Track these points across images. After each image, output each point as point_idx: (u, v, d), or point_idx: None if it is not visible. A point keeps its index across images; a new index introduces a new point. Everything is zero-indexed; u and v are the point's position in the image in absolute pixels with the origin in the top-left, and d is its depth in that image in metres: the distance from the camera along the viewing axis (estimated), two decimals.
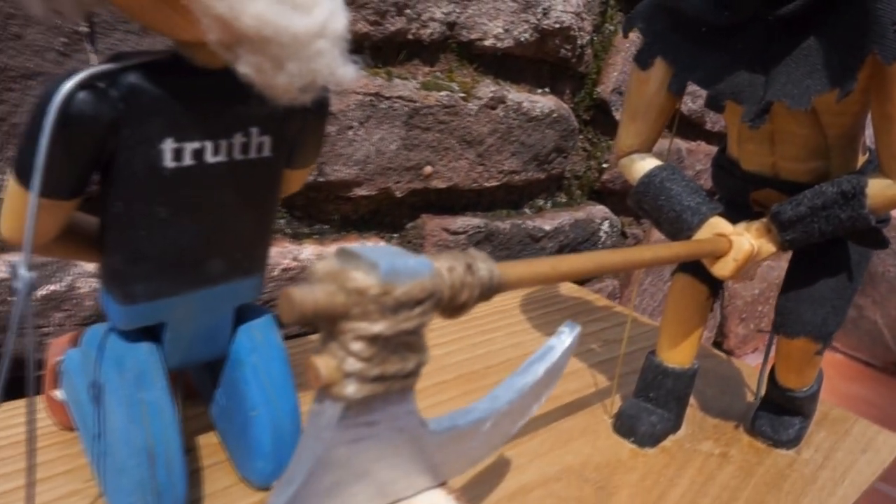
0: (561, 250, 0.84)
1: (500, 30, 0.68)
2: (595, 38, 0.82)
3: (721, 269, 0.43)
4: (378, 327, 0.22)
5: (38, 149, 0.26)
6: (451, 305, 0.24)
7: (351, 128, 0.59)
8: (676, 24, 0.43)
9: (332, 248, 0.62)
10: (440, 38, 0.65)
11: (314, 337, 0.57)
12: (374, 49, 0.61)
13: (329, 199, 0.62)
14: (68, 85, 0.26)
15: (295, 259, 0.60)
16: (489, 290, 0.26)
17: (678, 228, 0.45)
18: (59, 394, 0.40)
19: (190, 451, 0.41)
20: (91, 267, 0.49)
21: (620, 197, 0.93)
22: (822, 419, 0.57)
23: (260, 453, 0.37)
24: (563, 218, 0.83)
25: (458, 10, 0.65)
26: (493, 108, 0.69)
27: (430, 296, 0.23)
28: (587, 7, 0.76)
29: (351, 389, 0.22)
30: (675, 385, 0.50)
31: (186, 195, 0.31)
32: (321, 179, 0.59)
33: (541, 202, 0.84)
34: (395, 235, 0.70)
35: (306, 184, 0.45)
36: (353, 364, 0.22)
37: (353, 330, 0.22)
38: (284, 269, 0.59)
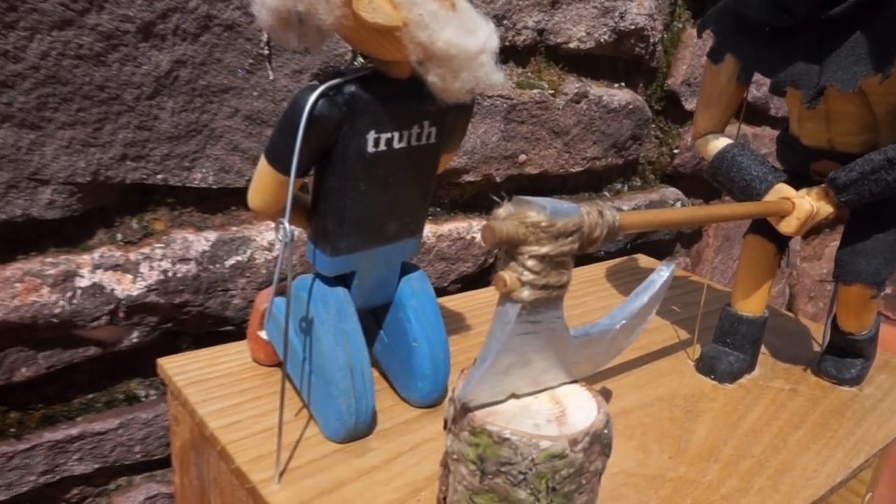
0: (639, 237, 0.93)
1: (583, 33, 0.77)
2: (665, 36, 0.90)
3: (786, 226, 0.52)
4: (545, 249, 0.32)
5: (292, 140, 0.37)
6: (589, 239, 0.35)
7: None
8: (743, 25, 0.52)
9: (445, 227, 0.73)
10: (531, 43, 0.75)
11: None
12: None
13: (441, 185, 0.73)
14: (313, 96, 0.37)
15: None
16: (613, 230, 0.36)
17: (748, 195, 0.53)
18: (263, 334, 0.51)
19: None
20: (264, 242, 0.61)
21: (690, 180, 1.01)
22: (883, 365, 0.65)
23: (421, 375, 0.48)
24: (639, 199, 0.92)
25: (546, 18, 0.75)
26: (578, 102, 0.79)
27: (578, 229, 0.33)
28: (658, 8, 0.85)
29: (526, 294, 0.33)
30: (749, 330, 0.59)
31: (378, 173, 0.42)
32: None
33: (618, 185, 0.93)
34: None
35: None
36: (527, 276, 0.32)
37: (528, 251, 0.32)
38: None
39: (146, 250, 0.55)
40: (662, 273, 0.43)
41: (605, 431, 0.35)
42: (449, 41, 0.36)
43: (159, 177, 0.55)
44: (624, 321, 0.41)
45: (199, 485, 0.51)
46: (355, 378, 0.44)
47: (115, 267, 0.53)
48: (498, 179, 0.76)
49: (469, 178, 0.73)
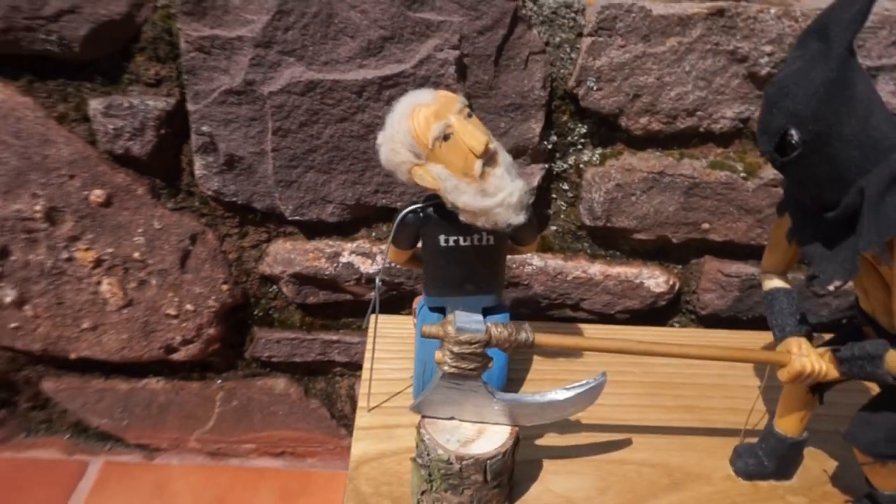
0: (850, 309, 0.92)
1: None
2: None
3: (780, 374, 0.59)
4: (454, 349, 0.55)
5: (399, 234, 0.65)
6: (500, 346, 0.55)
7: (633, 195, 0.85)
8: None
9: (614, 270, 0.90)
10: (730, 129, 0.83)
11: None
12: (668, 138, 0.84)
13: (618, 237, 0.90)
14: (404, 211, 0.64)
15: (584, 272, 0.90)
16: (523, 345, 0.56)
17: (774, 338, 0.61)
18: (415, 321, 0.82)
19: None
20: None
21: None
22: None
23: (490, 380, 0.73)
24: None
25: (751, 109, 0.82)
26: (776, 186, 0.85)
27: (479, 341, 0.54)
28: None
29: (446, 368, 0.56)
30: (777, 446, 0.66)
31: (452, 257, 0.67)
32: (609, 224, 0.87)
33: None
34: (679, 267, 0.93)
35: (600, 225, 0.79)
36: (447, 359, 0.56)
37: (447, 346, 0.55)
38: (574, 278, 0.90)
39: (384, 246, 0.89)
40: (592, 382, 0.59)
41: (489, 461, 0.57)
42: (465, 203, 0.59)
43: (398, 204, 0.87)
44: (548, 402, 0.59)
45: None
46: (426, 371, 0.72)
47: (362, 254, 0.89)
48: (675, 241, 0.89)
49: (641, 236, 0.88)
